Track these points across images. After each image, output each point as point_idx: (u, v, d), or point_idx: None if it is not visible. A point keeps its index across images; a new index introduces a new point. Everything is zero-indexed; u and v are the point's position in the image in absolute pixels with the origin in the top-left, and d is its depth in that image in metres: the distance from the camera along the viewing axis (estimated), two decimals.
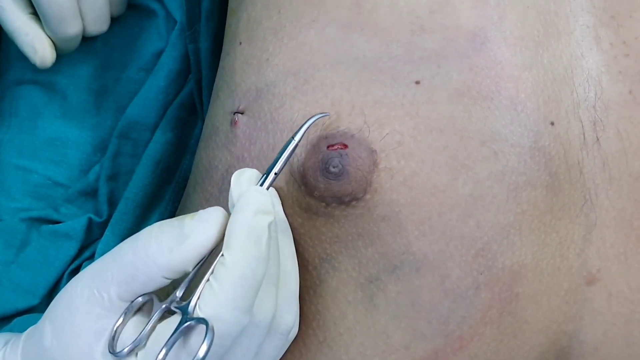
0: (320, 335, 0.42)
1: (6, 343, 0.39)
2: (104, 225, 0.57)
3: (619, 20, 0.42)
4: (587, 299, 0.42)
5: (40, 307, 0.55)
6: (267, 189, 0.38)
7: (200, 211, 0.37)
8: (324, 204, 0.40)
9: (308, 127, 0.39)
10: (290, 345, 0.42)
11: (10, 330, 0.53)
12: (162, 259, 0.35)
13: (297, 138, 0.39)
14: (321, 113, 0.40)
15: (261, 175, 0.39)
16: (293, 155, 0.40)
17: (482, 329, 0.40)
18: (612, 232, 0.41)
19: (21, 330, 0.40)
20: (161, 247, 0.35)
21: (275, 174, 0.39)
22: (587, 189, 0.41)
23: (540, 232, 0.40)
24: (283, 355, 0.41)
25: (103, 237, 0.56)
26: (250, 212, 0.35)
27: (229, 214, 0.37)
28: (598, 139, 0.41)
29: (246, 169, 0.39)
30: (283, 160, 0.39)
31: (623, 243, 0.41)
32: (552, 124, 0.40)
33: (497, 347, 0.41)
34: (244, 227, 0.35)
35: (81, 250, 0.57)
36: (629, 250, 0.41)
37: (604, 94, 0.41)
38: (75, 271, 0.56)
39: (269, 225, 0.36)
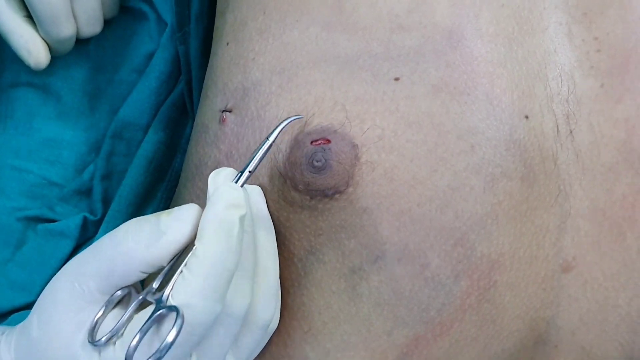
0: (305, 325, 0.43)
1: (2, 334, 0.40)
2: (98, 223, 0.58)
3: (591, 17, 0.43)
4: (563, 286, 0.43)
5: None
6: (242, 185, 0.39)
7: (176, 208, 0.38)
8: (308, 198, 0.41)
9: (282, 129, 0.40)
10: (274, 337, 0.43)
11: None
12: (139, 255, 0.36)
13: (271, 138, 0.40)
14: (295, 115, 0.41)
15: (237, 173, 0.40)
16: (278, 150, 0.41)
17: (461, 315, 0.42)
18: (586, 221, 0.43)
19: None
20: (139, 244, 0.36)
21: (250, 172, 0.40)
22: (561, 179, 0.42)
23: (516, 222, 0.42)
24: (267, 347, 0.43)
25: (97, 235, 0.57)
26: (221, 206, 0.36)
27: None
28: (571, 132, 0.42)
29: (223, 168, 0.40)
30: (257, 159, 0.40)
31: (597, 232, 0.43)
32: (527, 117, 0.42)
33: (477, 333, 0.42)
34: (215, 220, 0.36)
35: (77, 248, 0.58)
36: (602, 239, 0.43)
37: (576, 88, 0.42)
38: None
39: (240, 218, 0.36)
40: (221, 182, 0.39)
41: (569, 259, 0.43)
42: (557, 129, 0.42)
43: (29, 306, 0.56)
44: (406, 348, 0.42)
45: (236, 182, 0.39)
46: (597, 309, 0.43)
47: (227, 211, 0.36)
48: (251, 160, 0.40)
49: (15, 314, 0.55)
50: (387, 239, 0.40)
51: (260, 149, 0.40)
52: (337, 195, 0.41)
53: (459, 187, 0.41)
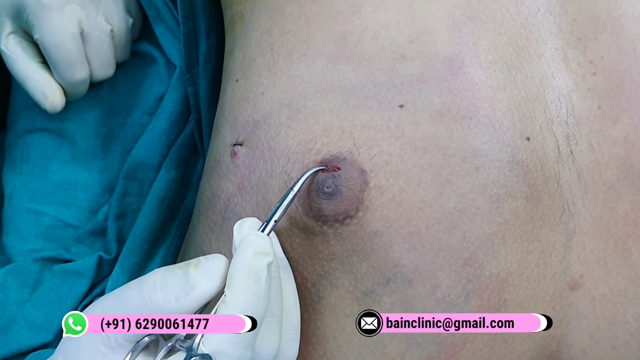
0: (320, 349, 0.43)
1: None
2: (113, 262, 0.59)
3: (585, 42, 0.45)
4: (571, 303, 0.44)
5: (54, 342, 0.57)
6: (268, 234, 0.40)
7: (203, 260, 0.38)
8: (319, 223, 0.42)
9: (306, 179, 0.41)
10: None
11: None
12: (169, 307, 0.37)
13: (295, 189, 0.41)
14: (319, 166, 0.42)
15: (261, 223, 0.41)
16: (289, 179, 0.42)
17: (473, 335, 0.42)
18: (590, 238, 0.43)
19: None
20: (168, 297, 0.37)
21: (275, 221, 0.41)
22: (564, 199, 0.43)
23: (523, 241, 0.42)
24: None
25: (112, 274, 0.58)
26: (249, 253, 0.37)
27: (230, 259, 0.39)
28: (572, 152, 0.43)
29: (247, 218, 0.41)
30: (282, 209, 0.41)
31: (602, 249, 0.43)
32: (528, 139, 0.43)
33: (489, 352, 0.43)
34: (244, 267, 0.37)
35: (92, 287, 0.59)
36: (608, 256, 0.43)
37: (575, 110, 0.44)
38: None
39: (268, 265, 0.37)
40: (246, 231, 0.40)
41: (576, 276, 0.43)
42: (558, 149, 0.43)
43: (46, 346, 0.57)
44: None
45: (262, 230, 0.40)
46: (606, 326, 0.44)
47: (255, 258, 0.37)
48: (276, 210, 0.41)
49: (33, 354, 0.56)
50: (398, 261, 0.41)
51: (285, 198, 0.41)
52: (347, 220, 0.42)
53: (466, 208, 0.42)
